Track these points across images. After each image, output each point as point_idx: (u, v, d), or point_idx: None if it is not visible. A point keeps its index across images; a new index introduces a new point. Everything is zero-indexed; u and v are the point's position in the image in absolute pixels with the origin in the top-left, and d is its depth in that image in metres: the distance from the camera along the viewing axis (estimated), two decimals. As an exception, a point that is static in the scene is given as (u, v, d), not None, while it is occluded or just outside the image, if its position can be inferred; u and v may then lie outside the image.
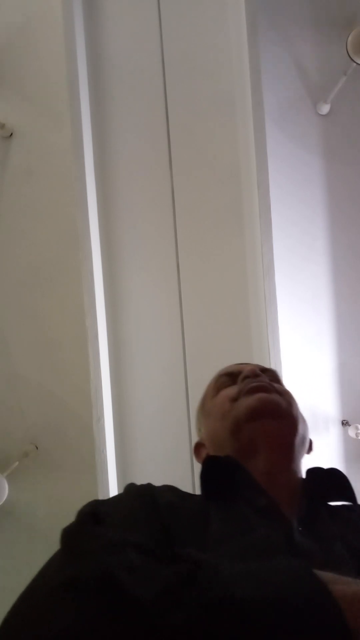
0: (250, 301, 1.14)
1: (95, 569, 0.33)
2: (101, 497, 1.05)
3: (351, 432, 1.18)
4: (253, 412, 0.60)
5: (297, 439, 0.62)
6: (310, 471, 0.61)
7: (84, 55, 1.19)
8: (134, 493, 0.54)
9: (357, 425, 1.18)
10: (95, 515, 0.46)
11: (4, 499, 1.03)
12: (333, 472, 0.61)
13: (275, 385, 0.66)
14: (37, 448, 1.14)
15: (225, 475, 0.56)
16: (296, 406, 0.66)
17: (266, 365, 0.78)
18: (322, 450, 1.19)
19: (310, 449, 0.69)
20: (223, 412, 0.64)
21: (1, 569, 1.14)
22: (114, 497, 0.55)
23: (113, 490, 1.08)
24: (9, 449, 1.14)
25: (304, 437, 0.64)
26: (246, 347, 1.13)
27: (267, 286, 1.09)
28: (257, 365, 0.75)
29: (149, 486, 0.56)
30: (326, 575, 0.33)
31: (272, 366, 1.08)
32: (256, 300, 1.13)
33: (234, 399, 0.64)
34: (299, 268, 1.21)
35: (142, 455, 1.16)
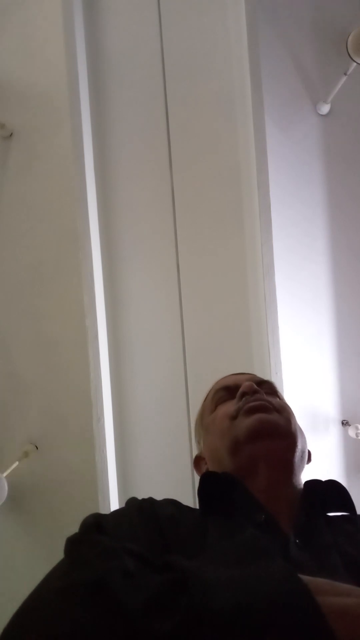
0: (250, 301, 1.14)
1: (91, 575, 0.35)
2: (100, 497, 1.05)
3: (351, 432, 1.18)
4: (252, 433, 0.61)
5: (297, 456, 0.62)
6: (308, 483, 0.62)
7: (84, 55, 1.19)
8: (135, 506, 0.55)
9: (357, 425, 1.18)
10: (98, 525, 0.48)
11: (4, 499, 1.03)
12: (332, 484, 0.62)
13: (274, 401, 0.67)
14: (37, 448, 1.14)
15: (223, 492, 0.57)
16: (294, 421, 0.66)
17: (266, 367, 0.78)
18: (322, 451, 1.19)
19: (309, 459, 0.70)
20: (222, 430, 0.65)
21: (1, 568, 1.14)
22: (115, 511, 0.57)
23: (113, 490, 1.08)
24: (9, 449, 1.14)
25: (303, 452, 0.64)
26: (246, 347, 1.13)
27: (267, 286, 1.09)
28: (254, 377, 0.76)
29: (150, 500, 0.58)
30: (319, 583, 0.32)
31: (272, 366, 1.08)
32: (256, 300, 1.13)
33: (233, 417, 0.64)
34: (299, 268, 1.21)
35: (142, 455, 1.16)
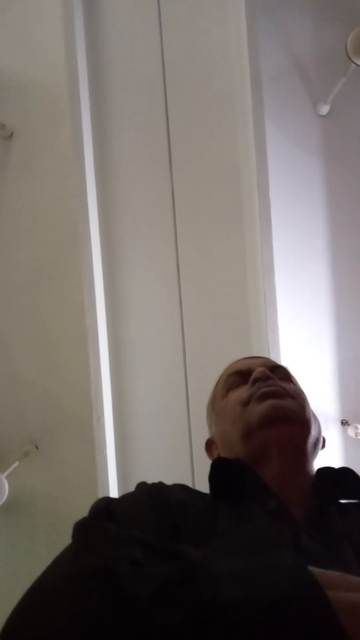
0: (250, 301, 1.14)
1: (97, 563, 0.35)
2: (101, 496, 1.05)
3: (351, 432, 1.18)
4: (265, 420, 0.59)
5: (310, 443, 0.61)
6: (321, 471, 0.61)
7: (84, 55, 1.19)
8: (144, 491, 0.54)
9: (357, 425, 1.18)
10: (108, 511, 0.47)
11: (4, 499, 1.03)
12: (345, 472, 0.61)
13: (287, 387, 0.65)
14: (37, 448, 1.14)
15: (234, 478, 0.56)
16: (309, 408, 0.65)
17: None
18: (322, 450, 1.19)
19: (323, 445, 0.68)
20: (234, 416, 0.64)
21: (2, 568, 1.14)
22: (125, 495, 0.56)
23: (113, 489, 1.08)
24: (9, 449, 1.14)
25: (317, 439, 0.63)
26: (246, 347, 1.13)
27: (267, 286, 1.09)
28: (268, 362, 0.74)
29: (159, 485, 0.57)
30: (330, 577, 0.32)
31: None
32: (256, 300, 1.13)
33: (245, 403, 0.63)
34: (299, 268, 1.21)
35: (142, 455, 1.16)
